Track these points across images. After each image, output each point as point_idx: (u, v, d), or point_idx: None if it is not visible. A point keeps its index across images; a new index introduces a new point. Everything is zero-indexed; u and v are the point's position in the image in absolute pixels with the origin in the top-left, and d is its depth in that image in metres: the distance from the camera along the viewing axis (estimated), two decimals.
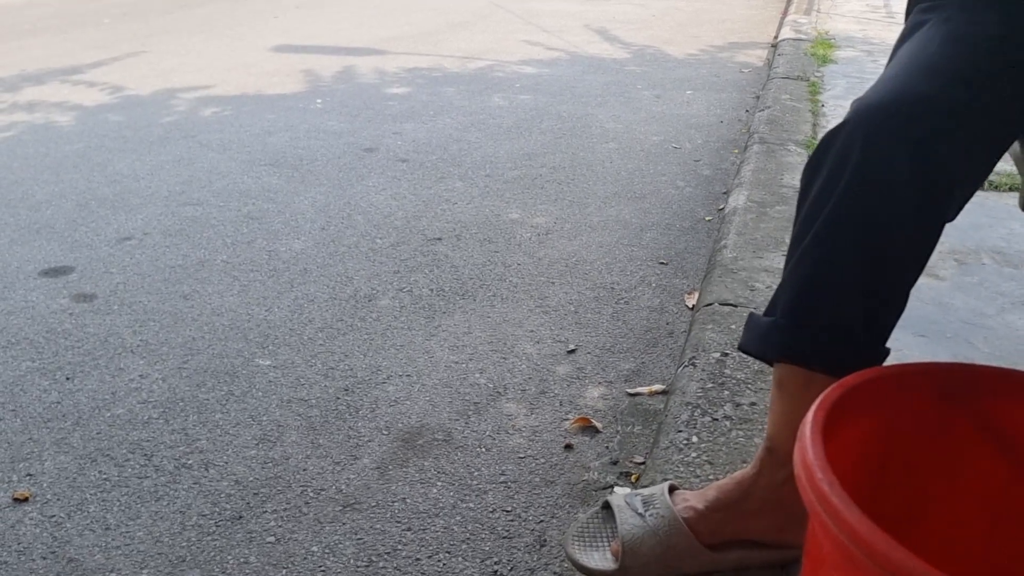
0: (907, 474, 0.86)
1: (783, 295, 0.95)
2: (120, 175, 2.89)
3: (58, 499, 1.37)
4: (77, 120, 3.57)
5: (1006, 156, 1.10)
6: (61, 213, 2.56)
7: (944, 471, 0.86)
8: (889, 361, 0.96)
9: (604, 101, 3.86)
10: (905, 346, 1.57)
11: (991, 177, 2.36)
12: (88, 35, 5.48)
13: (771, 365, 1.00)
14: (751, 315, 1.00)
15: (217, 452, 1.48)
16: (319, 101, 3.86)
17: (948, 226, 0.95)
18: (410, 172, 2.92)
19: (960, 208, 0.95)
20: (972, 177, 0.92)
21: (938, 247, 2.06)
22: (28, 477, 1.42)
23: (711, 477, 1.23)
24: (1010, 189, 2.34)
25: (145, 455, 1.47)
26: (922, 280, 1.86)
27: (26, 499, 1.36)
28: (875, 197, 0.87)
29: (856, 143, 0.87)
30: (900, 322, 0.96)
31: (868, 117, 0.87)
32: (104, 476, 1.42)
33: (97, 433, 1.53)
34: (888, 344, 0.95)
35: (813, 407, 0.75)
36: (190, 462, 1.46)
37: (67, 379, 1.70)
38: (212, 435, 1.53)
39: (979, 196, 2.30)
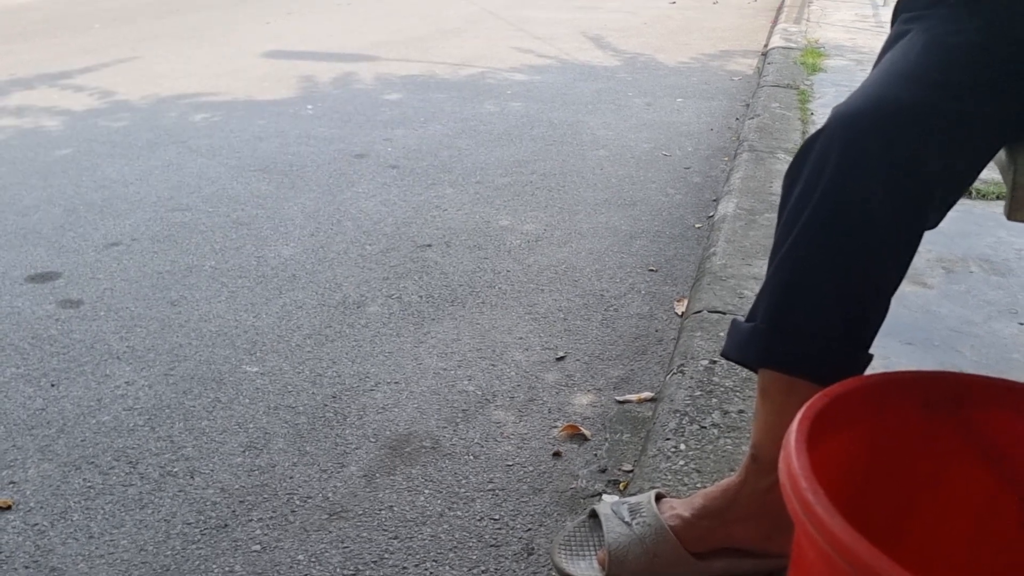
0: (892, 483, 0.86)
1: (763, 301, 0.95)
2: (109, 180, 2.88)
3: (41, 507, 1.35)
4: (66, 125, 3.55)
5: (992, 164, 1.10)
6: (48, 218, 2.55)
7: (929, 480, 0.86)
8: (876, 369, 0.96)
9: (595, 108, 3.87)
10: (892, 354, 1.58)
11: (978, 185, 2.37)
12: (78, 40, 5.46)
13: (755, 372, 1.00)
14: (734, 321, 1.00)
15: (203, 459, 1.47)
16: (310, 107, 3.86)
17: (935, 234, 0.95)
18: (400, 178, 2.92)
19: (942, 215, 0.95)
20: (953, 184, 0.93)
21: (925, 255, 2.07)
22: (11, 485, 1.40)
23: (699, 485, 1.23)
24: (997, 197, 2.35)
25: (130, 462, 1.46)
26: (909, 288, 1.87)
27: (9, 507, 1.35)
28: (852, 203, 0.87)
29: (834, 149, 0.87)
30: (887, 330, 0.97)
31: (846, 123, 0.87)
32: (88, 484, 1.41)
33: (82, 440, 1.52)
34: (875, 352, 0.95)
35: (798, 416, 0.75)
36: (176, 470, 1.44)
37: (52, 386, 1.69)
38: (198, 442, 1.52)
39: (966, 204, 2.31)
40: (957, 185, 0.93)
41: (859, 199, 0.86)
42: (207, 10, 6.83)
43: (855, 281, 0.89)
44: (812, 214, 0.88)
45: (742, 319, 1.00)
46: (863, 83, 0.96)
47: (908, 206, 0.87)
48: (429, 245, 2.37)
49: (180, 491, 1.39)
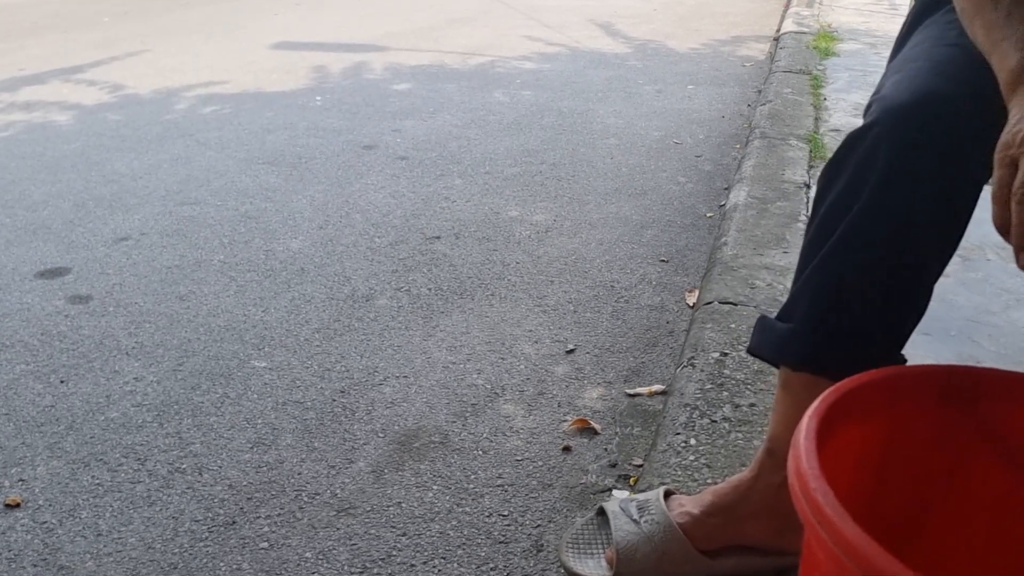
0: (907, 479, 0.84)
1: (801, 302, 0.92)
2: (118, 174, 2.88)
3: (50, 505, 1.35)
4: (75, 119, 3.56)
5: None
6: (58, 213, 2.55)
7: (944, 476, 0.84)
8: None
9: (605, 96, 3.83)
10: (909, 344, 1.54)
11: None
12: (88, 34, 5.47)
13: (777, 367, 0.99)
14: (763, 318, 0.98)
15: (211, 456, 1.47)
16: (319, 98, 3.84)
17: None
18: (409, 170, 2.90)
19: None
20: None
21: None
22: (20, 482, 1.40)
23: (709, 480, 1.21)
24: None
25: (138, 459, 1.46)
26: None
27: (17, 505, 1.35)
28: (903, 202, 0.84)
29: (882, 146, 0.84)
30: None
31: (894, 120, 0.84)
32: (97, 481, 1.41)
33: (91, 437, 1.52)
34: None
35: (808, 412, 0.73)
36: (184, 466, 1.44)
37: (61, 382, 1.69)
38: (206, 438, 1.51)
39: (984, 190, 2.27)
40: None
41: (910, 197, 0.84)
42: (216, 3, 6.82)
43: (903, 281, 0.87)
44: (859, 213, 0.85)
45: (771, 316, 0.97)
46: (901, 67, 0.92)
47: (959, 203, 0.85)
48: (438, 237, 2.36)
49: (188, 488, 1.39)
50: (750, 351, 0.99)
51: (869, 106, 0.91)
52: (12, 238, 2.38)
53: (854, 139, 0.88)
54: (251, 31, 5.51)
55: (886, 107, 0.86)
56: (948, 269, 1.83)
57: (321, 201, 2.62)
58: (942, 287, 1.77)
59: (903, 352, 0.94)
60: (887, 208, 0.85)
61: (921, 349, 1.55)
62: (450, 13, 6.10)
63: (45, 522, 1.32)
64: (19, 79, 4.26)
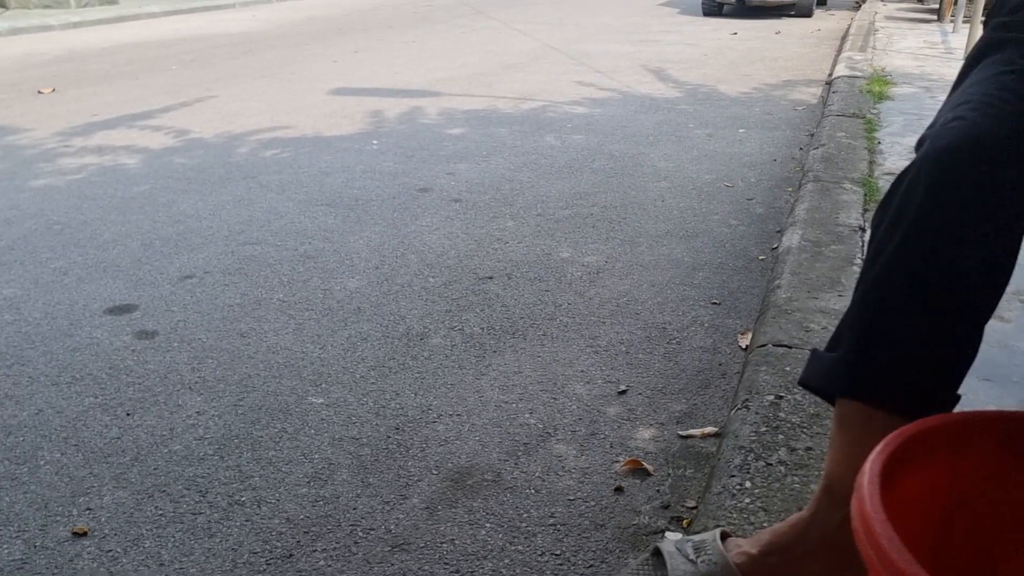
0: (973, 526, 0.83)
1: (847, 331, 0.93)
2: (183, 215, 2.99)
3: (115, 534, 1.39)
4: (144, 163, 3.70)
5: None
6: (127, 252, 2.65)
7: (1013, 524, 0.82)
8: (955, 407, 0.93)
9: (656, 140, 3.86)
10: (970, 390, 1.52)
11: None
12: (157, 81, 5.71)
13: (831, 403, 0.99)
14: (814, 351, 0.99)
15: (269, 489, 1.50)
16: (375, 142, 3.94)
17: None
18: (463, 212, 2.95)
19: None
20: None
21: None
22: (87, 511, 1.45)
23: (765, 524, 1.20)
24: None
25: (200, 491, 1.50)
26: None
27: (85, 533, 1.39)
28: (937, 238, 0.86)
29: (921, 183, 0.86)
30: None
31: (935, 158, 0.86)
32: (160, 512, 1.45)
33: (154, 469, 1.56)
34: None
35: (871, 456, 0.73)
36: (243, 499, 1.47)
37: (127, 415, 1.75)
38: (265, 472, 1.54)
39: None
40: None
41: (945, 234, 0.85)
42: (277, 50, 7.08)
43: (941, 317, 0.87)
44: (896, 248, 0.87)
45: (822, 349, 0.98)
46: (953, 105, 0.93)
47: (996, 245, 0.85)
48: (491, 277, 2.39)
49: (247, 520, 1.42)
50: (800, 382, 1.00)
51: (922, 140, 0.93)
52: (83, 275, 2.48)
53: (903, 174, 0.90)
54: (311, 77, 5.69)
55: (931, 144, 0.88)
56: (1010, 315, 1.80)
57: (377, 242, 2.68)
58: (1004, 333, 1.74)
59: (962, 393, 0.93)
60: (922, 243, 0.86)
61: (983, 395, 1.52)
62: (503, 59, 6.23)
63: (110, 551, 1.36)
64: (92, 124, 4.46)
